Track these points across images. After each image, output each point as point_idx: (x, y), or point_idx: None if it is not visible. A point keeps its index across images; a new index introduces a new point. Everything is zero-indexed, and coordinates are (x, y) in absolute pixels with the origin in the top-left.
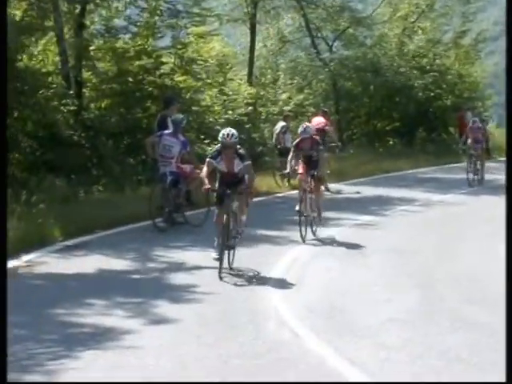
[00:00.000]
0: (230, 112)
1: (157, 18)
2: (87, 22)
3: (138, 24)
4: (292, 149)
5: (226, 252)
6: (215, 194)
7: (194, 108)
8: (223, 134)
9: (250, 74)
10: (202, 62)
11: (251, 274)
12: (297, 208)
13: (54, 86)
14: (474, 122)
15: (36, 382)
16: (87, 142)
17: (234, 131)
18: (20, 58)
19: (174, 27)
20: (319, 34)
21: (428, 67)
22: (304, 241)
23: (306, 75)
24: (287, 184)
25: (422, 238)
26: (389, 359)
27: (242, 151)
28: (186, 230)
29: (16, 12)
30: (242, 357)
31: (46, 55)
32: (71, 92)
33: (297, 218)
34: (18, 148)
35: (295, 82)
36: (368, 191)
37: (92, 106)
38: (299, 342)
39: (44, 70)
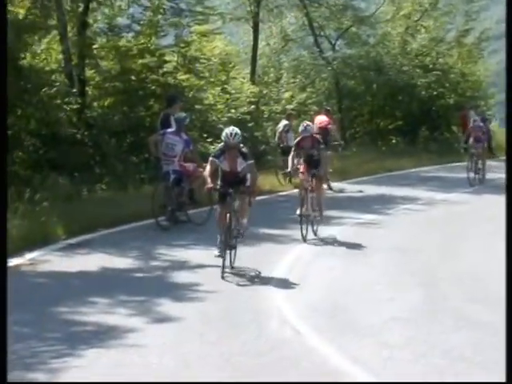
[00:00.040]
0: (233, 110)
1: (160, 16)
2: (90, 21)
3: (141, 22)
4: (293, 148)
5: (228, 251)
6: (217, 193)
7: (196, 106)
8: (227, 134)
9: (253, 72)
10: (204, 61)
11: (254, 272)
12: (298, 212)
13: (57, 84)
14: (475, 120)
15: (36, 381)
16: (90, 140)
17: (237, 130)
18: (23, 56)
19: (177, 26)
20: (322, 33)
21: (431, 66)
22: (305, 240)
23: (309, 74)
24: (289, 183)
25: (425, 236)
26: (392, 358)
27: (245, 150)
28: (188, 228)
29: (19, 10)
30: (244, 355)
31: (49, 53)
32: (74, 90)
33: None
34: (21, 146)
35: (298, 80)
36: (371, 190)
37: (95, 104)
38: (302, 341)
39: (47, 69)
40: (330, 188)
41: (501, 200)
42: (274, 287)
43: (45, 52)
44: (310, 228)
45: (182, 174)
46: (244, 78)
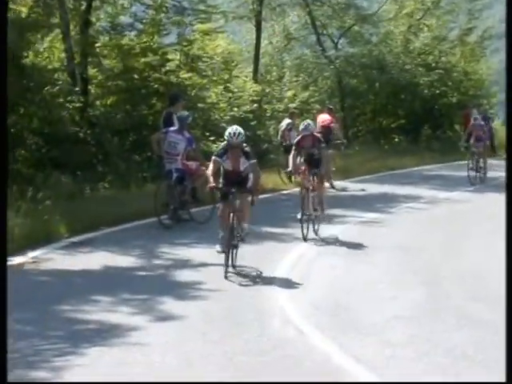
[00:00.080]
0: (236, 109)
1: (162, 15)
2: (93, 19)
3: (144, 21)
4: (293, 147)
5: (230, 251)
6: (219, 192)
7: (199, 105)
8: (230, 133)
9: (256, 71)
10: (207, 59)
11: (256, 271)
12: (298, 216)
13: (60, 82)
14: (476, 119)
15: (36, 382)
16: (93, 138)
17: (240, 130)
18: (26, 54)
19: (180, 24)
20: (325, 32)
21: (433, 64)
22: (305, 240)
23: (312, 72)
24: (290, 182)
25: (428, 235)
26: (394, 356)
27: (247, 149)
28: (191, 227)
29: (22, 9)
30: (247, 354)
31: (52, 52)
32: (77, 89)
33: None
34: (23, 145)
35: (300, 79)
36: (373, 188)
37: (98, 102)
38: (304, 340)
39: (50, 67)
40: (332, 186)
41: (502, 198)
42: (276, 286)
43: (47, 50)
44: (311, 227)
45: (184, 172)
46: (246, 77)
